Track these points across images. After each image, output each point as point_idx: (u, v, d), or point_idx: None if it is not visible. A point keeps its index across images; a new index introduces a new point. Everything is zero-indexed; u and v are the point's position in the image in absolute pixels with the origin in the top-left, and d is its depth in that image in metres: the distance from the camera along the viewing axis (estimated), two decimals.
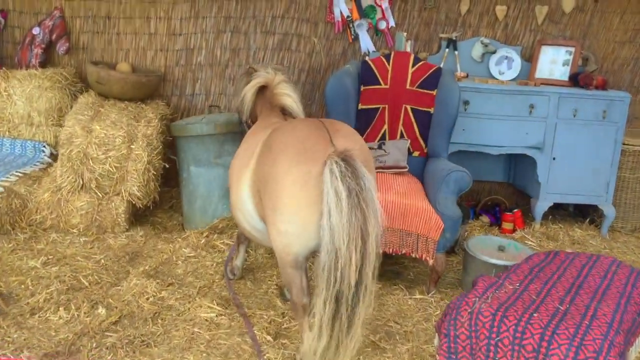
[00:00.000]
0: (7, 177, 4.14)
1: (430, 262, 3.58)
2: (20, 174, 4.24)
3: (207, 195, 4.24)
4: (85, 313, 3.19)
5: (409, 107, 4.23)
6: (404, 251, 3.61)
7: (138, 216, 4.48)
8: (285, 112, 3.27)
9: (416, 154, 4.20)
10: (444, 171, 3.70)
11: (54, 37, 4.80)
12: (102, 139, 4.03)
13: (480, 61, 5.05)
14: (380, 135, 4.25)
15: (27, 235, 4.04)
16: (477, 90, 4.60)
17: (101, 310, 3.21)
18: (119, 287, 3.52)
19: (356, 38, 5.01)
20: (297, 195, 2.53)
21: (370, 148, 4.08)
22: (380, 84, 4.29)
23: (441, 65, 4.87)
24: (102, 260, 3.84)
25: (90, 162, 4.02)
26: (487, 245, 3.87)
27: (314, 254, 2.62)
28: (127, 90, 4.59)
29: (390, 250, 3.61)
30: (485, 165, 5.16)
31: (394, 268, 4.08)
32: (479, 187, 5.28)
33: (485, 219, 4.93)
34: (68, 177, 4.03)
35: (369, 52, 5.00)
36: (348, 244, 2.38)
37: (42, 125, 4.66)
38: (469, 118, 4.59)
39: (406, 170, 3.96)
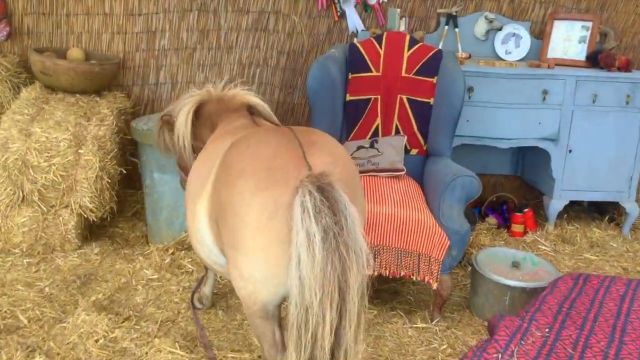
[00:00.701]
0: None
1: (434, 285, 3.02)
2: None
3: (174, 206, 3.64)
4: None
5: (404, 98, 3.62)
6: (402, 273, 3.05)
7: (96, 228, 3.88)
8: (252, 112, 2.65)
9: (414, 152, 3.61)
10: (448, 176, 3.12)
11: None
12: (43, 144, 3.40)
13: (485, 39, 4.43)
14: (372, 131, 3.65)
15: None
16: (482, 75, 3.99)
17: None
18: (65, 324, 2.92)
19: (342, 15, 4.37)
20: (262, 232, 1.94)
21: (361, 147, 3.50)
22: (371, 71, 3.67)
23: (440, 46, 4.26)
24: (47, 289, 3.25)
25: (31, 171, 3.40)
26: (498, 260, 3.32)
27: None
28: (78, 81, 3.94)
29: (387, 272, 3.05)
30: (491, 157, 4.57)
31: (391, 286, 3.52)
32: (484, 181, 4.65)
33: (492, 220, 4.36)
34: (5, 189, 3.40)
35: (357, 31, 4.36)
36: (322, 299, 1.81)
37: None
38: (474, 107, 3.99)
39: (403, 173, 3.37)
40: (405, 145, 3.56)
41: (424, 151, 3.62)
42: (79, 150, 3.46)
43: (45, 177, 3.42)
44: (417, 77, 3.62)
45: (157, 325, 2.98)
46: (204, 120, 2.64)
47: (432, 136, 3.56)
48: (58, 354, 2.72)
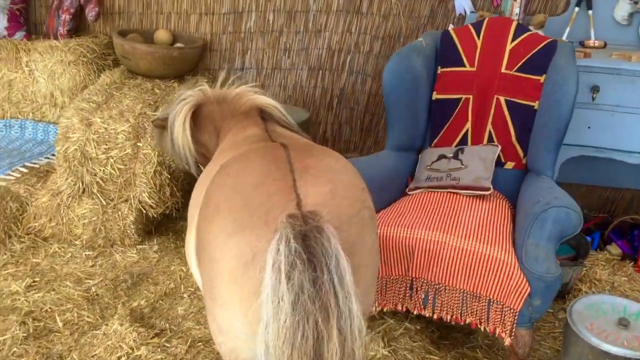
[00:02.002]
0: (8, 174, 3.52)
1: (507, 341, 2.44)
2: (25, 169, 3.60)
3: None
4: None
5: (502, 99, 2.98)
6: (468, 320, 2.49)
7: (160, 223, 3.71)
8: (265, 117, 2.22)
9: (510, 165, 2.97)
10: (538, 204, 2.47)
11: (82, 0, 4.06)
12: (101, 135, 3.25)
13: (627, 24, 3.58)
14: (459, 138, 3.06)
15: (25, 245, 3.41)
16: (612, 71, 3.20)
17: None
18: (97, 332, 2.77)
19: None
20: (238, 282, 1.54)
21: (442, 157, 2.94)
22: (463, 65, 3.06)
23: (567, 32, 3.50)
24: (94, 288, 3.12)
25: (90, 162, 3.27)
26: (601, 313, 2.61)
27: None
28: (156, 66, 3.77)
29: (449, 317, 2.51)
30: (622, 167, 3.73)
31: (465, 325, 2.95)
32: (611, 197, 3.87)
33: (615, 249, 3.56)
34: (66, 179, 3.31)
35: (466, 14, 3.72)
36: None
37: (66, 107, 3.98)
38: (598, 111, 3.23)
39: (489, 193, 2.77)
40: (499, 156, 2.94)
41: (523, 165, 2.97)
42: (138, 144, 3.26)
43: (104, 170, 3.27)
44: (520, 74, 2.95)
45: (186, 345, 2.72)
46: (204, 124, 2.27)
47: (533, 148, 2.90)
48: None
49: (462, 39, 3.08)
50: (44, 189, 3.45)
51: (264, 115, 2.23)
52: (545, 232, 2.42)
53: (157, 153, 3.27)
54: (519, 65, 2.96)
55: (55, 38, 4.11)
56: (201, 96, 2.24)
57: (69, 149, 3.25)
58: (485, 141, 3.01)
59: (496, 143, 2.97)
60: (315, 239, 1.40)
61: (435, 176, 2.91)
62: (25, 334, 2.70)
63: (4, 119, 4.09)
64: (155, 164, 3.27)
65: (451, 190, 2.83)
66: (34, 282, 3.14)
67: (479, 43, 3.04)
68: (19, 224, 3.43)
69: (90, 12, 4.05)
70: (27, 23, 4.28)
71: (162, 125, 2.34)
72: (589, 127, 3.23)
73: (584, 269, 3.29)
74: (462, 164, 2.88)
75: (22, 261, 3.31)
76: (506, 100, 2.97)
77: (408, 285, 2.55)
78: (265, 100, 2.20)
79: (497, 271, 2.41)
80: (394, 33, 3.88)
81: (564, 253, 3.23)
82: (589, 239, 3.48)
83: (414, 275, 2.52)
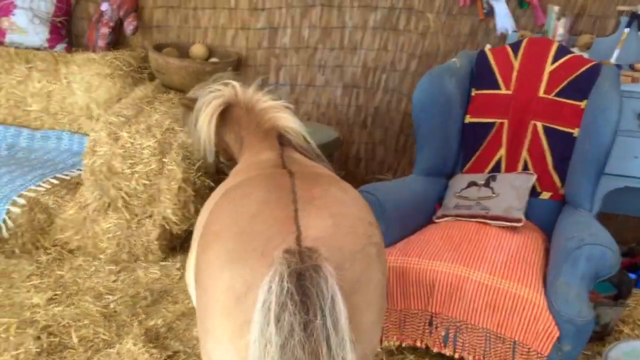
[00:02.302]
0: (39, 185, 3.54)
1: None
2: (57, 181, 3.62)
3: None
4: None
5: (539, 125, 2.81)
6: None
7: (185, 240, 3.66)
8: (283, 142, 2.12)
9: (546, 196, 2.80)
10: (572, 240, 2.29)
11: (121, 13, 4.10)
12: (127, 150, 3.23)
13: None
14: (492, 165, 2.91)
15: (51, 257, 3.42)
16: None
17: None
18: (110, 351, 2.73)
19: (490, 13, 3.60)
20: (230, 318, 1.44)
21: (472, 184, 2.79)
22: (499, 88, 2.91)
23: (615, 54, 3.29)
24: (113, 304, 3.08)
25: (115, 177, 3.26)
26: None
27: None
28: (189, 80, 3.72)
29: (470, 357, 2.35)
30: None
31: None
32: None
33: None
34: (92, 192, 3.31)
35: (507, 32, 3.56)
36: None
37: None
38: None
39: (520, 224, 2.60)
40: (535, 186, 2.77)
41: (560, 196, 2.78)
42: (163, 159, 3.23)
43: (129, 185, 3.25)
44: (559, 98, 2.78)
45: None
46: (230, 125, 2.18)
47: (571, 178, 2.71)
48: None
49: (498, 60, 2.93)
50: (72, 201, 3.45)
51: (282, 140, 2.14)
52: (578, 271, 2.24)
53: (182, 169, 3.22)
54: (558, 89, 2.79)
55: (95, 51, 4.16)
56: (233, 97, 2.15)
57: (96, 162, 3.25)
58: (519, 169, 2.85)
59: (531, 171, 2.80)
60: (311, 279, 1.30)
61: (464, 204, 2.76)
62: (39, 350, 2.68)
63: (41, 130, 4.15)
64: (180, 180, 3.23)
65: (480, 220, 2.68)
66: (55, 295, 3.13)
67: (516, 65, 2.88)
68: (46, 236, 3.45)
69: (129, 26, 4.07)
70: (69, 35, 4.34)
71: (188, 106, 2.28)
72: (635, 157, 3.01)
73: (627, 309, 3.06)
74: (493, 193, 2.73)
75: (47, 273, 3.31)
76: (544, 127, 2.80)
77: (427, 320, 2.41)
78: (287, 123, 2.10)
79: (523, 311, 2.25)
80: (431, 51, 3.75)
81: (604, 291, 3.01)
82: (633, 276, 3.24)
83: (433, 311, 2.38)
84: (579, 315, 2.21)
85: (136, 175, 3.23)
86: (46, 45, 4.18)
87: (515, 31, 3.54)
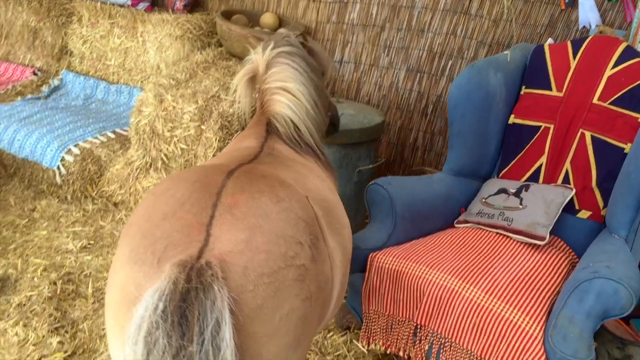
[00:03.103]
0: (96, 137, 3.71)
1: None
2: (114, 135, 3.77)
3: None
4: (39, 337, 2.58)
5: (588, 135, 2.49)
6: None
7: None
8: (270, 130, 2.01)
9: (584, 215, 2.48)
10: (584, 271, 2.02)
11: None
12: (169, 113, 3.27)
13: None
14: (530, 173, 2.62)
15: (97, 207, 3.59)
16: None
17: (53, 341, 2.55)
18: None
19: (573, 3, 3.22)
20: (119, 317, 1.34)
21: (502, 191, 2.55)
22: (550, 89, 2.60)
23: None
24: None
25: (157, 138, 3.32)
26: None
27: None
28: (249, 49, 3.72)
29: None
30: None
31: None
32: None
33: None
34: (137, 150, 3.41)
35: (590, 27, 3.18)
36: None
37: None
38: None
39: (543, 243, 2.33)
40: (573, 202, 2.47)
41: (601, 217, 2.46)
42: (201, 126, 3.24)
43: (167, 148, 3.30)
44: (615, 107, 2.43)
45: None
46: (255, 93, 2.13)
47: (612, 199, 2.38)
48: (79, 338, 2.61)
49: (555, 57, 2.62)
50: (122, 156, 3.58)
51: (269, 127, 2.03)
52: (585, 307, 1.97)
53: (218, 138, 3.22)
54: (616, 96, 2.44)
55: (173, 12, 4.24)
56: (256, 65, 2.07)
57: (141, 122, 3.33)
58: (559, 181, 2.55)
59: (571, 185, 2.49)
60: (196, 300, 1.18)
61: (487, 212, 2.52)
62: (50, 295, 2.82)
63: (117, 84, 4.32)
64: (216, 148, 3.23)
65: (502, 232, 2.44)
66: (89, 244, 3.29)
67: (573, 64, 2.56)
68: (95, 186, 3.61)
69: None
70: None
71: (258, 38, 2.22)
72: None
73: None
74: (520, 204, 2.46)
75: (90, 222, 3.48)
76: (592, 137, 2.47)
77: (412, 331, 2.24)
78: (279, 109, 1.97)
79: (513, 339, 2.02)
80: (503, 40, 3.43)
81: None
82: None
83: (419, 322, 2.21)
84: (575, 356, 1.94)
85: (175, 139, 3.27)
86: (129, 3, 4.33)
87: (598, 25, 3.15)
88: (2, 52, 4.76)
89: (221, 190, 1.41)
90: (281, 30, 2.55)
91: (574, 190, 2.46)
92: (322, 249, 1.53)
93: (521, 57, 2.70)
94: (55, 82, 4.45)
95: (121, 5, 4.34)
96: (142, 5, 4.35)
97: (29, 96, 4.26)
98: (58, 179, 3.55)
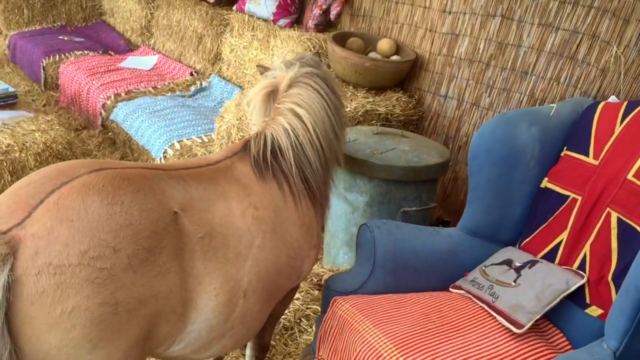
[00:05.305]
0: (200, 136, 4.02)
1: None
2: (215, 137, 4.05)
3: (332, 234, 3.15)
4: None
5: (615, 216, 2.03)
6: None
7: None
8: (246, 149, 2.03)
9: (595, 312, 2.03)
10: None
11: None
12: (242, 122, 3.42)
13: None
14: (549, 249, 2.22)
15: None
16: None
17: None
18: None
19: None
20: None
21: (505, 263, 2.25)
22: (587, 155, 2.17)
23: None
24: None
25: (230, 143, 3.49)
26: None
27: None
28: (349, 72, 3.73)
29: None
30: None
31: None
32: None
33: None
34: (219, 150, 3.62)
35: None
36: None
37: None
38: None
39: (519, 331, 1.97)
40: (584, 295, 2.04)
41: None
42: None
43: None
44: None
45: None
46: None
47: (616, 297, 1.90)
48: None
49: (603, 118, 2.18)
50: None
51: (245, 146, 2.05)
52: None
53: None
54: None
55: (306, 30, 4.41)
56: (277, 81, 2.15)
57: (222, 127, 3.53)
58: (575, 265, 2.11)
59: (583, 273, 2.05)
60: None
61: (480, 282, 2.20)
62: None
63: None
64: None
65: (486, 307, 2.11)
66: None
67: (617, 130, 2.11)
68: None
69: (333, 11, 4.20)
70: (299, 12, 4.67)
71: (261, 72, 2.34)
72: None
73: None
74: (514, 281, 2.11)
75: None
76: (619, 220, 2.01)
77: None
78: (270, 132, 2.02)
79: None
80: (609, 94, 2.91)
81: None
82: None
83: None
84: None
85: None
86: (272, 18, 4.59)
87: None
88: (177, 53, 5.40)
89: (68, 181, 1.48)
90: (307, 53, 2.54)
91: (584, 279, 2.03)
92: (158, 264, 1.52)
93: (571, 113, 2.30)
94: (204, 84, 4.91)
95: (265, 20, 4.62)
96: (282, 21, 4.58)
97: (178, 93, 4.77)
98: None
